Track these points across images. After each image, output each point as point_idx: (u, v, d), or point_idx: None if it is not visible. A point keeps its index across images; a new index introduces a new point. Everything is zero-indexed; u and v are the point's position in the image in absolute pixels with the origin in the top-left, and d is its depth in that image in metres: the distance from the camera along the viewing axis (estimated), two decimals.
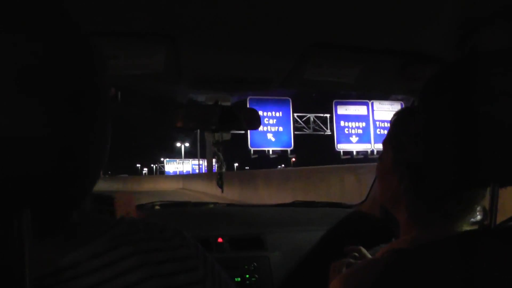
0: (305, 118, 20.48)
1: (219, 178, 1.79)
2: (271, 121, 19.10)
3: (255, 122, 1.61)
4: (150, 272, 0.46)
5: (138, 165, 74.89)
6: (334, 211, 1.96)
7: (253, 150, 18.83)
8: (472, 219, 0.69)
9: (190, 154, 62.31)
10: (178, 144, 61.17)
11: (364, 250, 1.25)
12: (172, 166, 61.43)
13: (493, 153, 0.58)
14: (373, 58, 1.20)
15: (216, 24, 0.99)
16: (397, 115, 0.84)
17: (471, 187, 0.64)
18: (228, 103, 1.58)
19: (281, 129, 19.04)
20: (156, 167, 70.44)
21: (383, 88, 1.53)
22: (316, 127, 20.67)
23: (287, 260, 1.59)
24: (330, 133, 19.98)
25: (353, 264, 1.11)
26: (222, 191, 1.81)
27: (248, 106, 17.84)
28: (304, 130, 20.59)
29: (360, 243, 1.68)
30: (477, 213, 0.70)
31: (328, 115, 20.26)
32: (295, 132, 19.60)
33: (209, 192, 19.44)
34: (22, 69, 0.36)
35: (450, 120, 0.61)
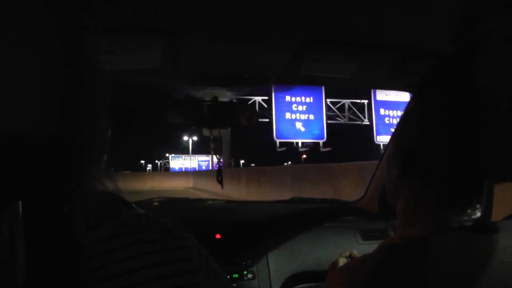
0: (339, 105, 17.58)
1: (218, 174, 1.80)
2: (300, 108, 15.88)
3: (253, 118, 1.62)
4: (149, 260, 0.50)
5: (142, 162, 72.08)
6: (332, 208, 1.97)
7: (279, 142, 15.87)
8: (470, 217, 0.70)
9: (196, 150, 58.04)
10: (186, 138, 57.03)
11: (355, 252, 1.27)
12: (177, 163, 56.93)
13: (488, 147, 0.59)
14: (370, 53, 1.21)
15: (212, 20, 1.00)
16: (406, 108, 0.86)
17: (461, 178, 0.66)
18: (226, 99, 1.59)
19: (312, 117, 15.97)
20: (160, 163, 67.09)
21: (380, 83, 1.54)
22: (352, 116, 17.74)
23: (284, 257, 1.60)
24: (368, 123, 17.08)
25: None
26: (222, 187, 1.82)
27: (273, 90, 15.98)
28: (338, 119, 17.63)
29: (359, 239, 1.70)
30: (476, 211, 0.71)
31: (365, 101, 17.25)
32: (328, 121, 16.64)
33: (232, 195, 14.84)
34: (12, 63, 0.38)
35: (445, 111, 0.63)
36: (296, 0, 0.93)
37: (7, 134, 0.37)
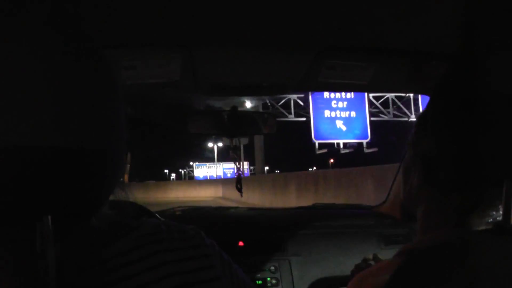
0: (382, 99, 15.55)
1: (237, 182, 1.81)
2: (340, 104, 14.01)
3: (272, 126, 1.63)
4: (172, 269, 0.51)
5: (166, 171, 68.09)
6: (353, 213, 1.96)
7: (319, 144, 13.95)
8: (490, 220, 0.69)
9: (221, 157, 52.69)
10: (210, 145, 52.35)
11: (379, 256, 1.26)
12: (202, 171, 52.62)
13: (506, 149, 0.58)
14: (387, 58, 1.21)
15: (229, 32, 1.03)
16: (420, 114, 0.85)
17: (483, 183, 0.65)
18: (245, 108, 1.60)
19: (353, 114, 14.07)
20: (184, 172, 63.46)
21: (398, 88, 1.53)
22: (397, 112, 15.80)
23: (307, 263, 1.60)
24: (415, 119, 15.42)
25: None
26: (242, 195, 1.84)
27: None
28: (382, 115, 15.68)
29: (381, 244, 1.68)
30: (496, 214, 0.70)
31: (411, 95, 14.93)
32: (371, 119, 14.83)
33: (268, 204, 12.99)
34: (45, 77, 0.40)
35: (462, 114, 0.63)
36: (312, 9, 0.94)
37: (38, 148, 0.39)
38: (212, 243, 0.60)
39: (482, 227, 0.68)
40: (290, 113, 15.69)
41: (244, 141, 1.68)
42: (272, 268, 1.58)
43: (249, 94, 1.45)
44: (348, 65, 1.24)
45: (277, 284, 1.55)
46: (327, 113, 13.93)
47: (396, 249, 1.64)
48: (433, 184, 0.72)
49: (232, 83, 1.34)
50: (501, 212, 0.69)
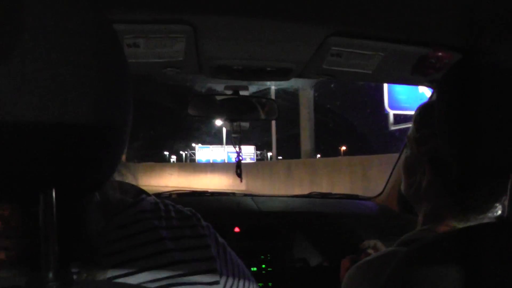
0: None
1: (237, 167, 1.80)
2: None
3: (273, 112, 1.62)
4: (169, 245, 0.52)
5: (166, 153, 60.93)
6: (350, 203, 1.95)
7: (394, 115, 9.69)
8: (493, 214, 0.69)
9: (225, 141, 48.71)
10: (219, 123, 45.09)
11: (379, 244, 1.25)
12: (205, 154, 45.55)
13: (510, 143, 0.57)
14: (393, 48, 1.19)
15: (235, 12, 1.01)
16: (419, 109, 0.83)
17: (489, 179, 0.64)
18: (247, 92, 1.59)
19: None
20: (186, 154, 56.59)
21: (403, 78, 1.52)
22: None
23: (302, 251, 1.61)
24: None
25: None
26: (241, 180, 1.83)
27: None
28: None
29: (377, 235, 1.68)
30: (497, 209, 0.69)
31: None
32: None
33: None
34: (59, 55, 0.39)
35: (467, 111, 0.61)
36: None
37: (48, 123, 0.38)
38: (208, 225, 0.60)
39: (485, 221, 0.68)
40: None
41: (245, 125, 1.67)
42: (268, 255, 1.58)
43: (252, 78, 1.43)
44: (354, 53, 1.23)
45: (272, 272, 1.55)
46: None
47: (392, 240, 1.65)
48: (442, 184, 0.70)
49: (235, 65, 1.33)
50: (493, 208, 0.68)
